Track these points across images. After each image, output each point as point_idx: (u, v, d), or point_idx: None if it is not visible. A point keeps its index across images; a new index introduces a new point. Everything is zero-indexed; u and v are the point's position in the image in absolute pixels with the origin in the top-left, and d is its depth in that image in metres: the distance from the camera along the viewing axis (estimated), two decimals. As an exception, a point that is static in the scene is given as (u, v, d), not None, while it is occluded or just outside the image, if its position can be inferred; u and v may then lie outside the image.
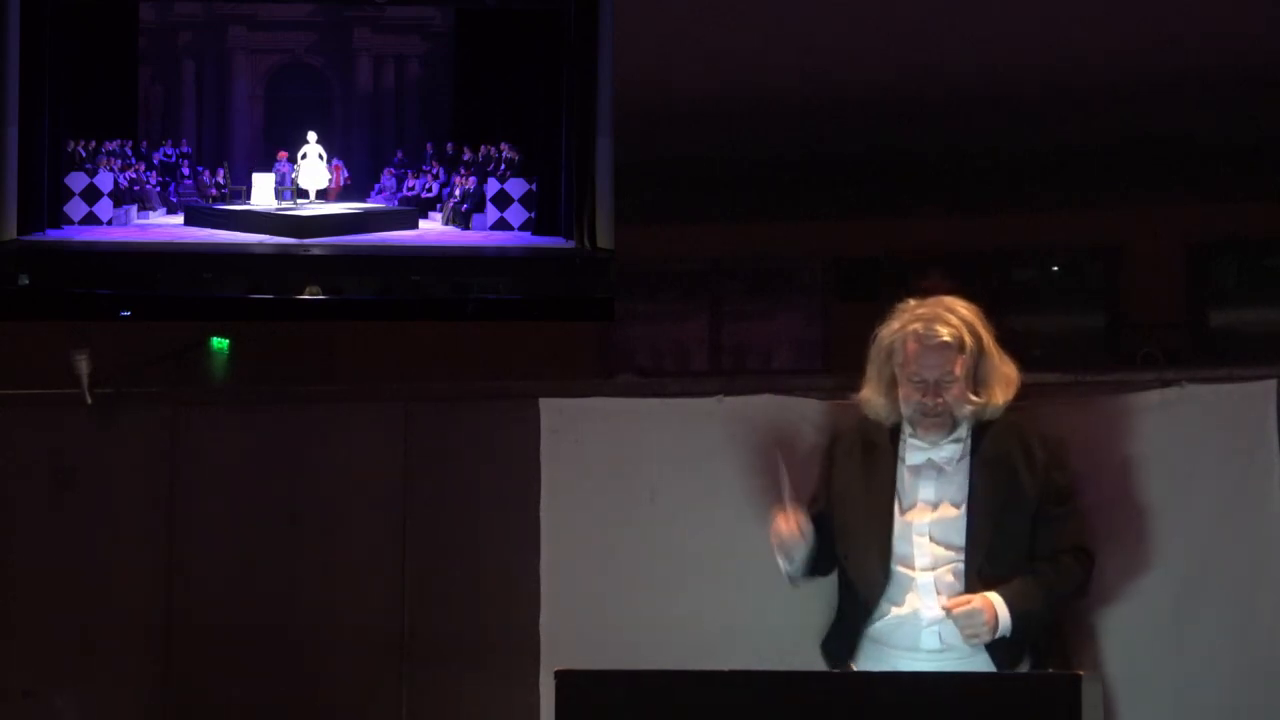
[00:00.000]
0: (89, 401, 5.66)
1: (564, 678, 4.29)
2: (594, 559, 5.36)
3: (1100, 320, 11.29)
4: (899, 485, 4.59)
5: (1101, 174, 10.54)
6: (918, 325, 4.51)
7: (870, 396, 4.62)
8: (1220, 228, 10.93)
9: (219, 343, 8.56)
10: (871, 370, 4.60)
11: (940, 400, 4.50)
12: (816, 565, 4.69)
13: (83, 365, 5.64)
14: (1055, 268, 11.57)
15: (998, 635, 4.45)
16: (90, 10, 7.92)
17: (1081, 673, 4.22)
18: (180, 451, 5.70)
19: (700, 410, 5.38)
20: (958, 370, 4.49)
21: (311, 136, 8.30)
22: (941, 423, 4.54)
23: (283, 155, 8.39)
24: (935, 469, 4.58)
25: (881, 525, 4.57)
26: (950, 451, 4.57)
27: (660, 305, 11.63)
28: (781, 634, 5.11)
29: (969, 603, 4.44)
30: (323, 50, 8.70)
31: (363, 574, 5.57)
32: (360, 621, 5.55)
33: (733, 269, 11.72)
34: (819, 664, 4.74)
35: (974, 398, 4.53)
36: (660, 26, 8.02)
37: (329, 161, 8.37)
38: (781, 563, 4.62)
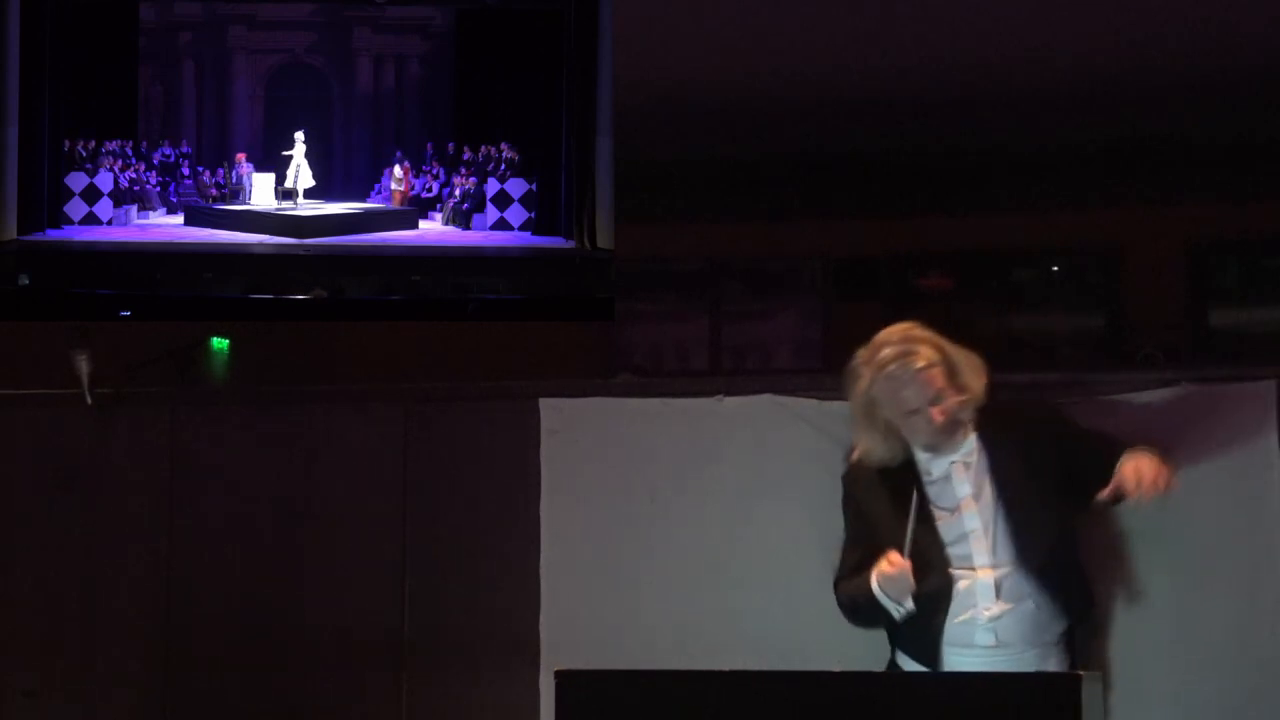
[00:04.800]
0: (89, 401, 5.66)
1: (564, 678, 4.29)
2: (594, 559, 5.36)
3: (1100, 320, 11.27)
4: (933, 496, 4.67)
5: (1101, 174, 10.54)
6: (888, 369, 4.61)
7: (872, 448, 4.71)
8: (1220, 228, 10.91)
9: (219, 343, 8.56)
10: (861, 426, 4.69)
11: (943, 415, 4.60)
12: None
13: (83, 365, 5.63)
14: (1055, 268, 11.56)
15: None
16: (90, 10, 7.93)
17: (1081, 673, 4.23)
18: (180, 451, 5.70)
19: (700, 410, 5.37)
20: (942, 383, 4.61)
21: (299, 137, 8.31)
22: (953, 432, 4.65)
23: (241, 157, 8.42)
24: (962, 467, 4.69)
25: (930, 541, 4.63)
26: (967, 445, 4.68)
27: (660, 305, 11.62)
28: (782, 634, 5.11)
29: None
30: (323, 50, 8.71)
31: (363, 574, 5.56)
32: (360, 621, 5.55)
33: (733, 269, 11.71)
34: (819, 664, 4.73)
35: (961, 396, 4.63)
36: (660, 26, 8.02)
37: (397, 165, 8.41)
38: (892, 607, 4.62)
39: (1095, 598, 4.83)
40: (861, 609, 4.72)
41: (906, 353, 4.62)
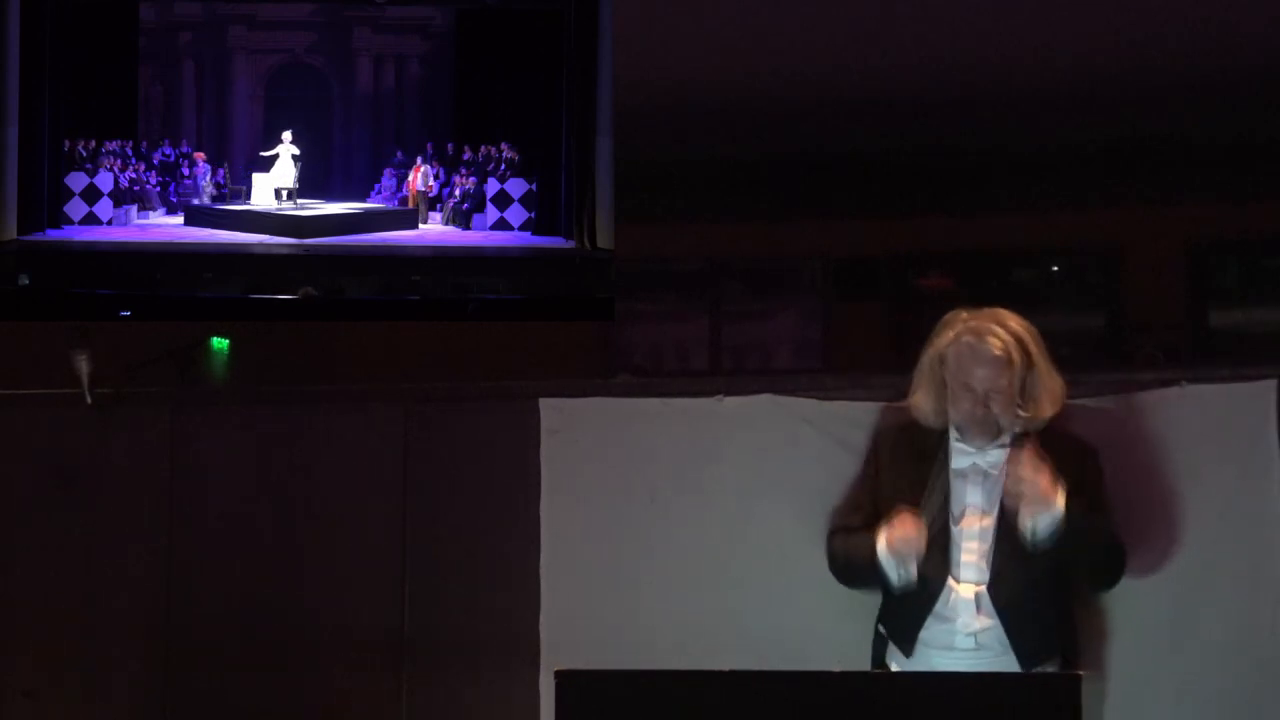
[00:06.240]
0: (89, 401, 5.66)
1: (564, 678, 4.28)
2: (594, 559, 5.36)
3: (1100, 320, 11.27)
4: (950, 492, 4.65)
5: (1101, 174, 10.55)
6: (970, 337, 4.60)
7: (920, 401, 4.70)
8: (1220, 228, 10.92)
9: (219, 343, 8.56)
10: (921, 376, 4.69)
11: (986, 410, 4.59)
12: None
13: (83, 365, 5.63)
14: (1055, 268, 11.57)
15: (1036, 532, 4.47)
16: (90, 10, 7.94)
17: (1081, 673, 4.22)
18: (180, 451, 5.69)
19: (700, 410, 5.37)
20: (1006, 383, 4.58)
21: (286, 136, 8.31)
22: (987, 429, 4.63)
23: (200, 156, 8.42)
24: (981, 474, 4.65)
25: (938, 533, 4.60)
26: (995, 457, 4.65)
27: (660, 305, 11.62)
28: (782, 634, 5.11)
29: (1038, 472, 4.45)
30: (323, 50, 8.71)
31: (363, 574, 5.56)
32: (360, 621, 5.55)
33: (733, 269, 11.71)
34: (819, 664, 4.74)
35: (1021, 411, 4.61)
36: (660, 27, 8.03)
37: (417, 168, 8.41)
38: (894, 571, 4.57)
39: (1076, 642, 4.76)
40: (858, 569, 4.70)
41: (992, 334, 4.59)
